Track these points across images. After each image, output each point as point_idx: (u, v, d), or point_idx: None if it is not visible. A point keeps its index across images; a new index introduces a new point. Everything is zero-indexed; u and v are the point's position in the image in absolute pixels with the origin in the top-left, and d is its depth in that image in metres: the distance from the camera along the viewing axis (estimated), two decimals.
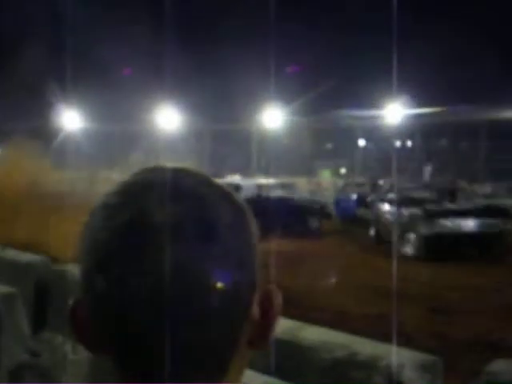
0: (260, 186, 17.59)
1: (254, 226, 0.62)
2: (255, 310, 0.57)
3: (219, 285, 0.53)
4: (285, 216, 14.14)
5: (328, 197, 22.50)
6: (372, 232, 15.06)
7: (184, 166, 0.63)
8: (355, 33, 52.52)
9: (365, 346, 2.43)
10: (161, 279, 0.52)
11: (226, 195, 0.60)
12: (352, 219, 17.33)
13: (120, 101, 42.56)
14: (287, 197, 17.02)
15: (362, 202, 19.35)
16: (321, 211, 16.88)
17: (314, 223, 15.58)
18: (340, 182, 28.41)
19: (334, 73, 51.89)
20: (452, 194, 16.73)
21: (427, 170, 40.05)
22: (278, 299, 0.60)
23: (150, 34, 28.73)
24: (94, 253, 0.56)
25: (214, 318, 0.53)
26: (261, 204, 14.40)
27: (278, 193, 16.83)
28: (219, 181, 0.63)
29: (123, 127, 50.94)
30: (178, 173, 0.60)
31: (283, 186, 18.73)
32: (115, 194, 0.58)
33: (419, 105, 40.73)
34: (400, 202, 14.62)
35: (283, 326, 2.65)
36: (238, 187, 16.18)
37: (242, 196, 0.65)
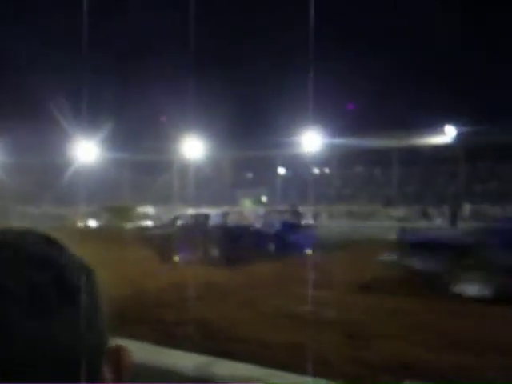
0: (225, 215, 19.04)
1: (99, 288, 0.60)
2: (105, 372, 0.57)
3: (73, 350, 0.52)
4: (249, 242, 16.01)
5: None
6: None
7: (30, 228, 0.61)
8: (274, 63, 53.84)
9: (277, 378, 2.48)
10: (15, 347, 0.49)
11: (74, 258, 0.59)
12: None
13: (39, 134, 41.33)
14: (249, 225, 18.87)
15: (290, 229, 19.93)
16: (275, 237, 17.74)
17: (272, 247, 16.91)
18: (261, 210, 28.71)
19: (252, 103, 52.79)
20: None
21: (467, 206, 35.95)
22: (128, 358, 0.60)
23: (74, 67, 28.23)
24: None
25: (67, 380, 0.51)
26: (227, 232, 16.51)
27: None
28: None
29: (41, 160, 49.34)
30: (26, 236, 0.59)
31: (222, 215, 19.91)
32: None
33: (335, 134, 42.16)
34: None
35: (194, 362, 2.66)
36: (206, 216, 17.64)
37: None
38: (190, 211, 24.26)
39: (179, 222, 18.11)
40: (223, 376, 2.49)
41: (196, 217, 18.11)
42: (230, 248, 15.59)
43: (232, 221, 18.74)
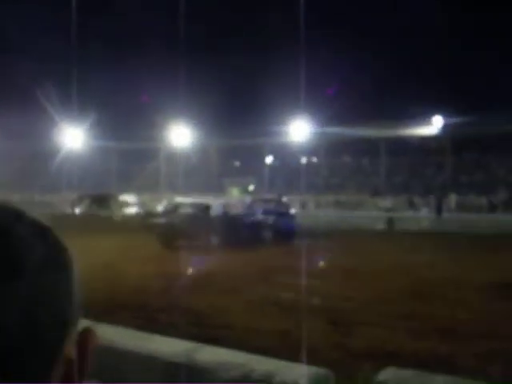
0: (226, 205, 19.38)
1: (72, 264, 0.56)
2: (70, 349, 0.54)
3: (23, 326, 0.49)
4: (245, 230, 16.94)
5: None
6: None
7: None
8: (263, 51, 53.66)
9: (260, 364, 2.47)
10: None
11: (39, 231, 0.55)
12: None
13: (25, 120, 40.99)
14: (246, 214, 19.88)
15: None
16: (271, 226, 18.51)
17: (267, 235, 17.75)
18: (248, 199, 28.76)
19: (241, 92, 52.67)
20: None
21: (453, 197, 36.77)
22: (94, 340, 0.57)
23: (62, 54, 27.99)
24: None
25: (17, 360, 0.48)
26: (228, 221, 17.25)
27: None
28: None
29: (28, 147, 48.98)
30: None
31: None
32: None
33: (323, 123, 42.14)
34: None
35: (178, 347, 2.64)
36: (208, 206, 18.12)
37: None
38: (179, 199, 24.33)
39: (180, 211, 18.34)
40: (206, 361, 2.47)
41: (197, 206, 18.39)
42: (230, 236, 16.12)
43: (230, 210, 19.42)
